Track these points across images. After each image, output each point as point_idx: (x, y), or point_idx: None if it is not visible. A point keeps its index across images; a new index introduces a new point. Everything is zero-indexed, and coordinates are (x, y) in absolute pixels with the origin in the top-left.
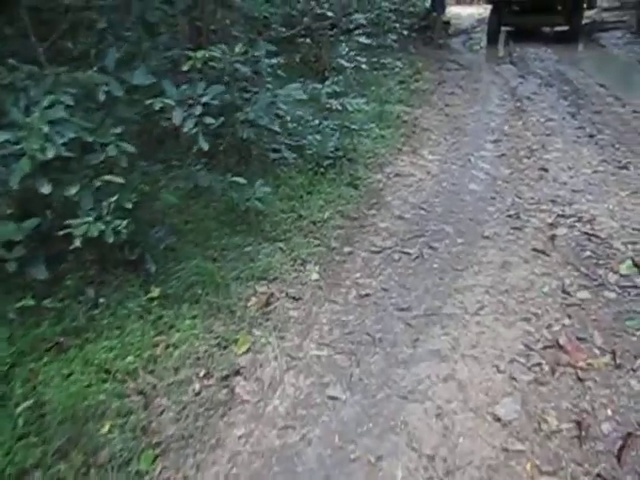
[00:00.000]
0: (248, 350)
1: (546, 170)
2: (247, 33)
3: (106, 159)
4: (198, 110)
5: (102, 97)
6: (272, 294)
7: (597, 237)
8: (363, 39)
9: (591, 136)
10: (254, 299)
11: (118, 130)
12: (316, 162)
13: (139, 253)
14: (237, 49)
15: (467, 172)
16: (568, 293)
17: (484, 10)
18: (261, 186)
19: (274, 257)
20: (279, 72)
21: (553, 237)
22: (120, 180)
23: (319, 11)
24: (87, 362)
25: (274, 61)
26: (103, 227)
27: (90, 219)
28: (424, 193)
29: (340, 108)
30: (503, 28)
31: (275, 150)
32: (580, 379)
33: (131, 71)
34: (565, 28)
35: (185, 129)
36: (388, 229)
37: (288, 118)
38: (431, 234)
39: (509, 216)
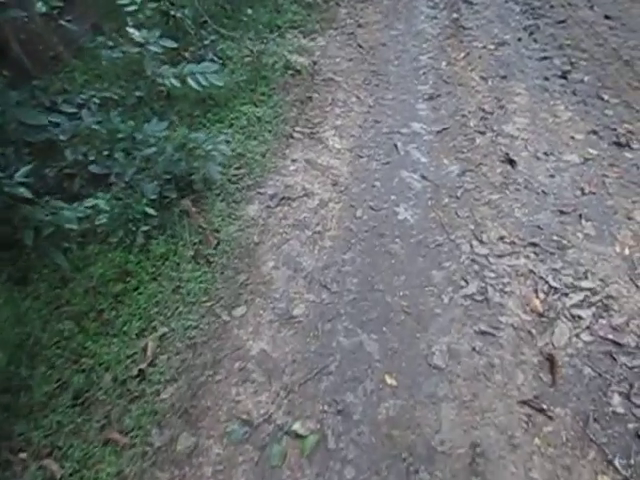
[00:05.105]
0: None
1: (513, 162)
2: None
3: None
4: None
5: None
6: None
7: (622, 347)
8: None
9: (564, 76)
10: None
11: None
12: (126, 227)
13: None
14: None
15: (394, 175)
16: None
17: None
18: None
19: None
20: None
21: (551, 359)
22: None
23: None
24: None
25: None
26: None
27: None
28: (328, 241)
29: (178, 85)
30: None
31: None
32: None
33: None
34: None
35: None
36: (264, 360)
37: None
38: (340, 367)
39: (470, 297)
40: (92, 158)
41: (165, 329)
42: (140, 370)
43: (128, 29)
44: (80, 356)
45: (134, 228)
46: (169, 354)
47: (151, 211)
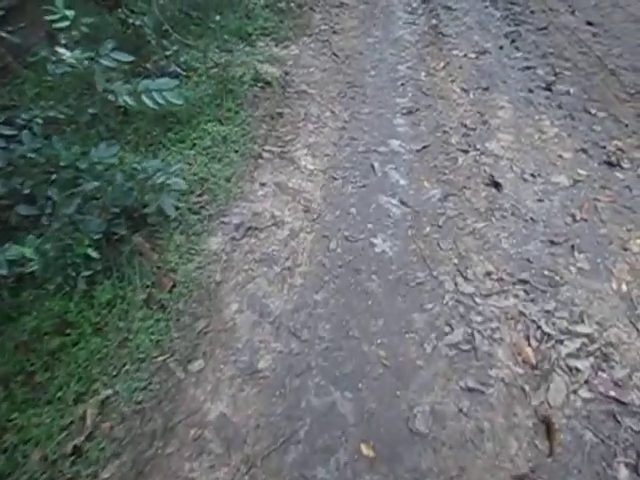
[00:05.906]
0: None
1: (498, 185)
2: None
3: None
4: None
5: None
6: None
7: (626, 406)
8: None
9: (548, 87)
10: None
11: None
12: (64, 273)
13: None
14: None
15: (371, 201)
16: None
17: None
18: None
19: None
20: None
21: (547, 422)
22: None
23: None
24: None
25: None
26: None
27: None
28: (298, 279)
29: (132, 103)
30: None
31: None
32: None
33: None
34: None
35: None
36: (223, 427)
37: None
38: (309, 433)
39: (455, 346)
40: (27, 192)
41: (108, 391)
42: (75, 446)
43: (58, 49)
44: (4, 431)
45: (74, 273)
46: (112, 422)
47: (94, 254)
